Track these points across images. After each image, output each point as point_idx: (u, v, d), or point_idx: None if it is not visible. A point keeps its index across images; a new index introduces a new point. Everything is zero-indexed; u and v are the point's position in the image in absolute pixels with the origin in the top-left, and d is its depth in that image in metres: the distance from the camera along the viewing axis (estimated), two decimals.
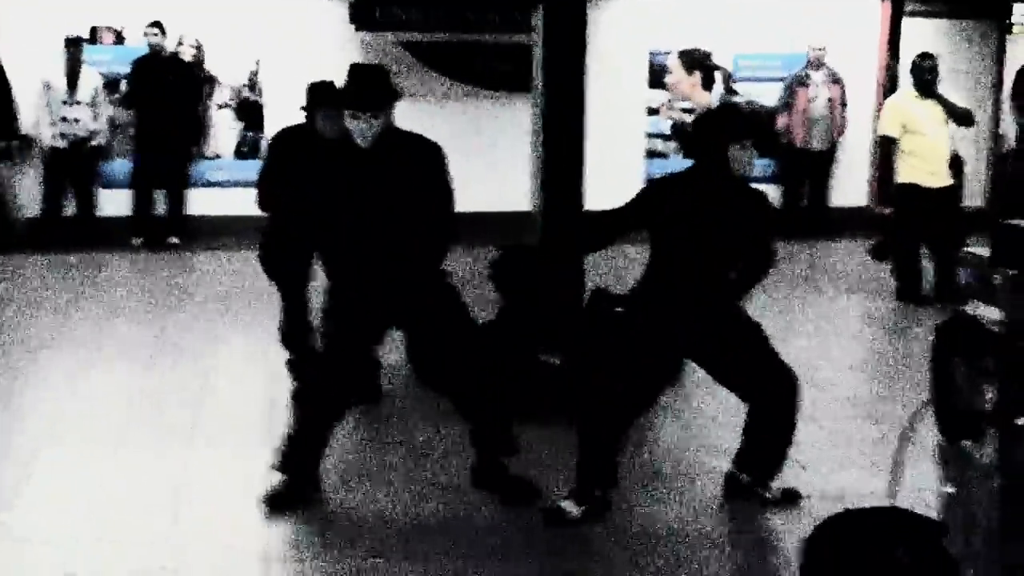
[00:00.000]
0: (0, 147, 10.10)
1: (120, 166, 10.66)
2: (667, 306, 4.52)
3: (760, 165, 10.57)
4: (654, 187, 4.84)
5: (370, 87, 4.55)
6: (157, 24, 10.20)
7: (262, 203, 5.98)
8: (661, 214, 4.53)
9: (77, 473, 5.06)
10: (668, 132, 11.41)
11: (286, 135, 6.20)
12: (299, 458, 4.67)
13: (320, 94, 5.78)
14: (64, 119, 10.12)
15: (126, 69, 10.38)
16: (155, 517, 4.56)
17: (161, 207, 10.62)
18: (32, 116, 10.16)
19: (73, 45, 10.04)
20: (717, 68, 10.64)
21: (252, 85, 10.95)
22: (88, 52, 10.35)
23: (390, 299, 4.57)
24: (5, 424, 5.71)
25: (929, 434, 3.26)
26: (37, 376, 6.53)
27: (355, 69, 4.72)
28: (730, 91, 10.70)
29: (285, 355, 6.25)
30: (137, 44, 10.46)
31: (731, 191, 4.52)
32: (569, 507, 4.52)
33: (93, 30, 10.58)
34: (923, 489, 4.53)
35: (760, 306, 8.30)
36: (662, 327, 4.52)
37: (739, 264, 4.63)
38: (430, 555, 4.23)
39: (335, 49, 10.91)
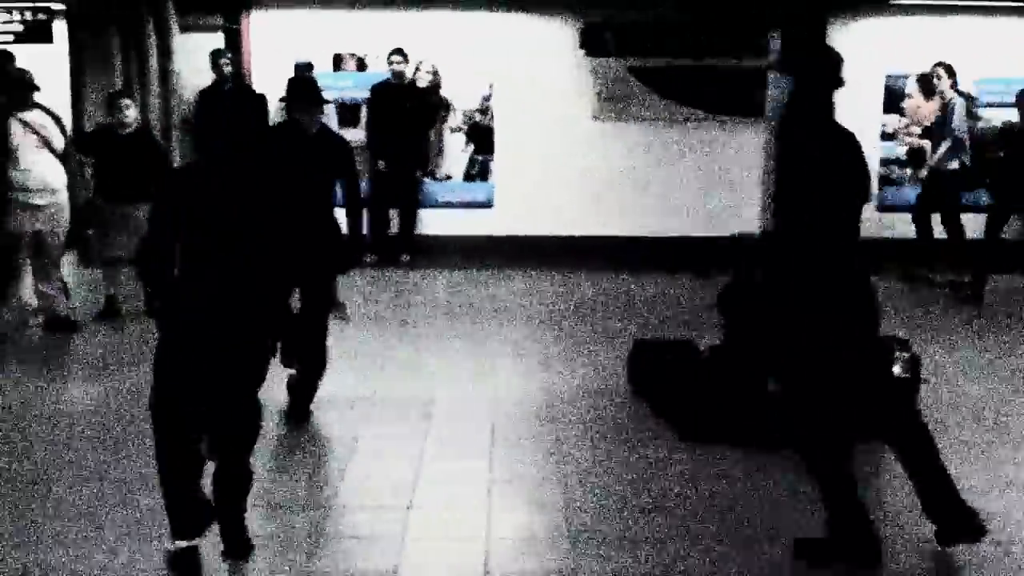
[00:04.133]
0: None
1: None
2: None
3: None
4: None
5: None
6: (400, 51, 10.63)
7: None
8: None
9: (315, 474, 5.31)
10: (903, 158, 11.02)
11: None
12: None
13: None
14: None
15: (365, 95, 10.85)
16: (385, 520, 4.72)
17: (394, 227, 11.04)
18: None
19: (302, 71, 10.62)
20: (960, 93, 10.26)
21: (484, 110, 11.24)
22: (331, 78, 10.88)
23: None
24: None
25: None
26: (273, 380, 6.84)
27: None
28: (972, 116, 10.28)
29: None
30: (377, 71, 10.92)
31: None
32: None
33: (337, 57, 11.11)
34: None
35: (968, 342, 7.99)
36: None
37: None
38: None
39: (565, 75, 11.11)
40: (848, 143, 4.31)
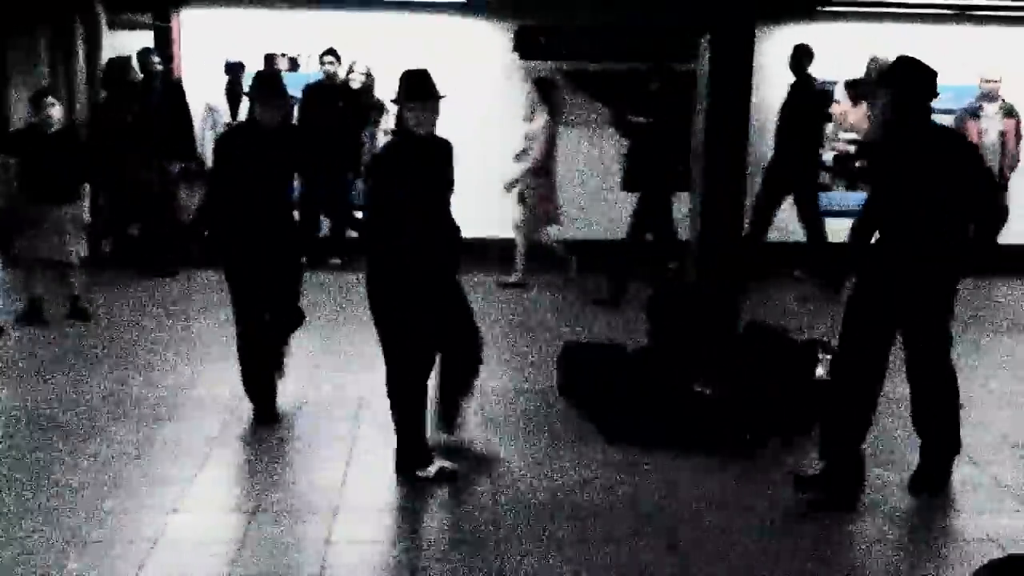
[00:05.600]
0: (180, 168, 10.59)
1: None
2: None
3: None
4: None
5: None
6: (332, 52, 10.59)
7: None
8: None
9: (243, 478, 5.27)
10: (830, 164, 11.17)
11: None
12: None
13: None
14: None
15: (298, 95, 10.77)
16: (311, 524, 4.71)
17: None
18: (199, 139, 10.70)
19: (232, 70, 10.61)
20: None
21: None
22: None
23: None
24: (178, 427, 5.98)
25: None
26: (222, 380, 6.80)
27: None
28: None
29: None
30: (310, 71, 10.86)
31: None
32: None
33: (268, 57, 11.03)
34: None
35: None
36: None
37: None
38: None
39: (498, 77, 11.13)
40: (953, 145, 4.78)
